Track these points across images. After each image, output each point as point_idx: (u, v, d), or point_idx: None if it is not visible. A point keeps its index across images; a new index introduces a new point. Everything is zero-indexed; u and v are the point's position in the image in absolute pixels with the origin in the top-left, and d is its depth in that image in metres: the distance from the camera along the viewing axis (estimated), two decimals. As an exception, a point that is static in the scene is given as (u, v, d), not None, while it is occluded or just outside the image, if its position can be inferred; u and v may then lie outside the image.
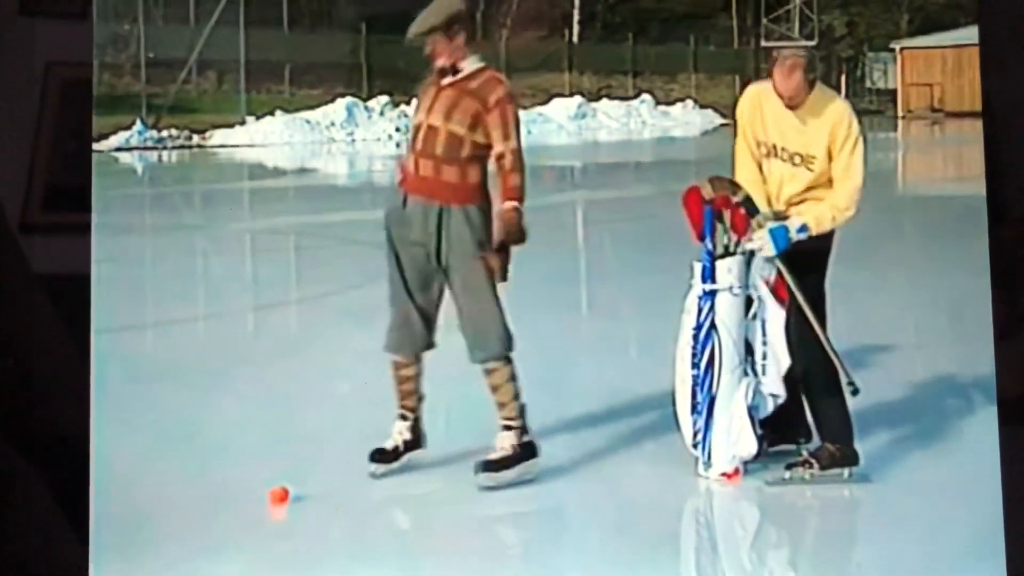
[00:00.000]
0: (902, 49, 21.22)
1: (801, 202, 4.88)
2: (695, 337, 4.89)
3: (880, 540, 4.48)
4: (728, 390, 4.89)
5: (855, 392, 4.85)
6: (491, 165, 4.78)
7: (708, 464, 4.90)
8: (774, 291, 4.87)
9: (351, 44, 19.75)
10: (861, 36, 21.92)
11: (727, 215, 4.87)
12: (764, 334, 4.89)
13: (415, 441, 4.97)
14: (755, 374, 4.92)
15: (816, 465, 4.87)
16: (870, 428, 5.10)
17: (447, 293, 4.85)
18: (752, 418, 4.88)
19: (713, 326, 4.88)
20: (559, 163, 17.91)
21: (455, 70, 4.71)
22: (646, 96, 21.21)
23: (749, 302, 4.92)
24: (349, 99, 18.97)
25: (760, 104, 4.90)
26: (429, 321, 4.87)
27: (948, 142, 19.40)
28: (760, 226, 4.80)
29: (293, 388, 5.88)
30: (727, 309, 4.88)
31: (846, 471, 4.88)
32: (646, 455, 5.13)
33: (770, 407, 4.96)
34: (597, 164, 18.89)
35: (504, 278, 4.75)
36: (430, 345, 4.91)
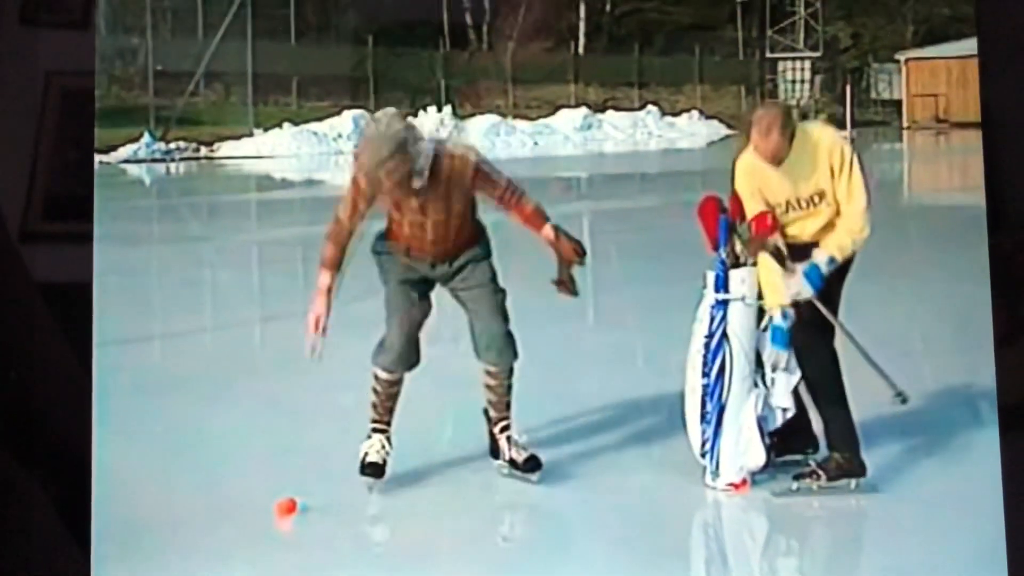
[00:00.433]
0: (907, 60, 21.24)
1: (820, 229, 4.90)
2: (706, 346, 4.89)
3: (887, 550, 4.46)
4: (738, 400, 4.88)
5: (904, 401, 4.87)
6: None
7: (716, 473, 4.89)
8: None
9: (358, 56, 19.81)
10: (866, 47, 21.93)
11: (742, 226, 4.87)
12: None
13: (388, 453, 5.00)
14: (765, 387, 4.92)
15: (823, 476, 4.86)
16: (877, 438, 5.09)
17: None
18: (761, 429, 4.88)
19: (725, 336, 4.87)
20: (565, 174, 17.93)
21: (421, 172, 4.73)
22: (652, 107, 21.25)
23: (761, 313, 4.92)
24: (356, 111, 19.01)
25: (754, 172, 4.89)
26: (418, 339, 4.94)
27: (953, 152, 19.39)
28: (793, 272, 4.82)
29: (299, 400, 5.88)
30: (739, 319, 4.88)
31: (853, 482, 4.86)
32: (653, 465, 5.12)
33: (779, 420, 4.95)
34: (603, 175, 18.90)
35: (576, 292, 4.90)
36: (419, 361, 4.96)
